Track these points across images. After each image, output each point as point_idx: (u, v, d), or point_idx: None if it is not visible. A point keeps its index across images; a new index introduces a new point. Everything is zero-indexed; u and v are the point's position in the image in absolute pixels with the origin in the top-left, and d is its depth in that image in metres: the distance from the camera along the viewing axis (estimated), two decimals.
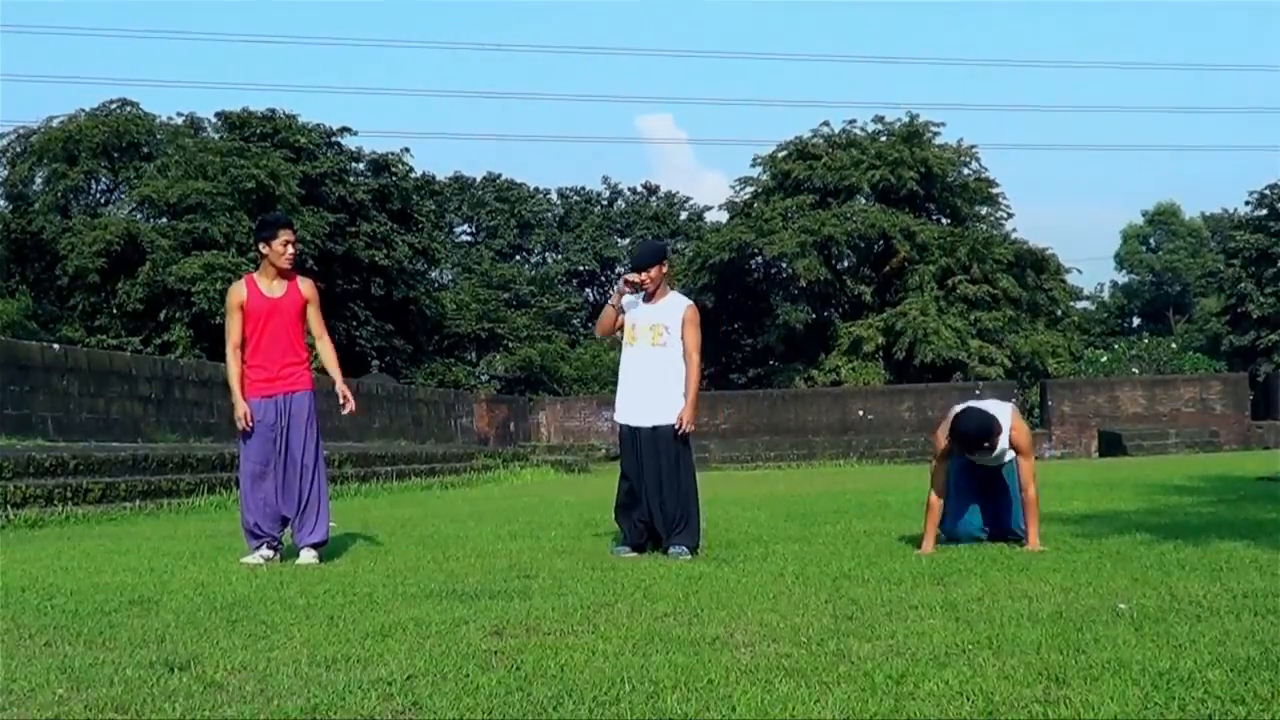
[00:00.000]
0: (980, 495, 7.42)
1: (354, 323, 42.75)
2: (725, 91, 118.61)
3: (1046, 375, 41.27)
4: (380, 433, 27.05)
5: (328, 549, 7.63)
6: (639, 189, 71.83)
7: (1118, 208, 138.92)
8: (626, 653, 4.04)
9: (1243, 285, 51.93)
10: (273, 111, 43.75)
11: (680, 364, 7.55)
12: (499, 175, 69.48)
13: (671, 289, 7.80)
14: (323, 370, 8.01)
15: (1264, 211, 53.15)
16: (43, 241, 39.25)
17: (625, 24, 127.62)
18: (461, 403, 34.18)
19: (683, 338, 7.55)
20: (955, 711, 3.19)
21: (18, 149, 41.43)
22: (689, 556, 7.23)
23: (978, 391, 34.21)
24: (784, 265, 44.55)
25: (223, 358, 7.74)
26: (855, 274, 45.44)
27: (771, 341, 44.87)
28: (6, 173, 41.68)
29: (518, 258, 67.97)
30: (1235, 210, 61.23)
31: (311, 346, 7.82)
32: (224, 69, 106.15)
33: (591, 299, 69.92)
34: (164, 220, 39.62)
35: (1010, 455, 7.21)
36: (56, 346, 18.52)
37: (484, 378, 52.05)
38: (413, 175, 49.00)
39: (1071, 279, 47.29)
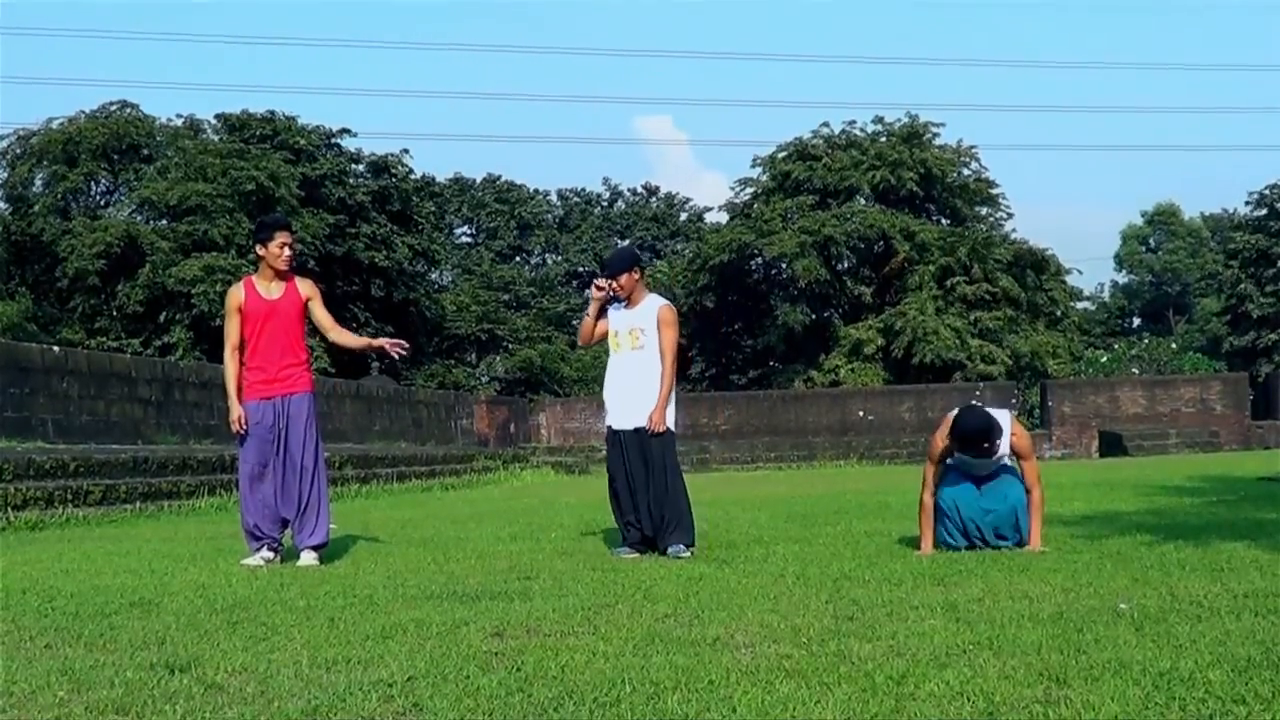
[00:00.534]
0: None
1: (354, 324, 42.72)
2: (725, 92, 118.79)
3: (1047, 375, 41.25)
4: (380, 434, 27.04)
5: (328, 551, 7.64)
6: (639, 190, 71.93)
7: (1118, 208, 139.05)
8: (627, 654, 4.04)
9: (1243, 286, 51.95)
10: (272, 113, 43.77)
11: (660, 365, 7.58)
12: (499, 176, 69.58)
13: (650, 292, 7.84)
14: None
15: (1264, 212, 53.17)
16: (42, 243, 39.25)
17: (625, 24, 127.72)
18: (461, 404, 34.17)
19: (660, 340, 7.58)
20: (956, 712, 3.19)
21: (17, 150, 41.42)
22: (688, 554, 7.25)
23: (978, 392, 34.24)
24: (784, 266, 44.55)
25: (223, 359, 7.75)
26: (855, 275, 45.43)
27: (771, 342, 44.85)
28: (6, 174, 41.66)
29: (517, 259, 68.02)
30: (1235, 211, 61.31)
31: (313, 349, 7.83)
32: (224, 71, 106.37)
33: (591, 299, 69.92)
34: (164, 222, 39.62)
35: (1008, 459, 7.19)
36: (56, 349, 18.51)
37: (484, 379, 52.06)
38: (412, 177, 49.02)
39: (1071, 279, 47.30)
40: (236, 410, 7.50)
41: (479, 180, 69.10)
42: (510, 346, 52.04)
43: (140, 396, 18.63)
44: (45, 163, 40.74)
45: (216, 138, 43.18)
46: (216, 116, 44.32)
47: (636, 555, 7.35)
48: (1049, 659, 3.77)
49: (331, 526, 7.86)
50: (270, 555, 7.45)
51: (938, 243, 43.08)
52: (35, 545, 9.06)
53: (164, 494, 13.59)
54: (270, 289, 7.55)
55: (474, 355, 53.65)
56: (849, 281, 45.13)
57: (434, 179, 60.04)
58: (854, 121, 47.48)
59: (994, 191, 47.74)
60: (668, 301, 7.85)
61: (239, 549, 7.72)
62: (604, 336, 7.85)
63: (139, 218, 40.79)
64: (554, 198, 70.97)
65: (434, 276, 54.64)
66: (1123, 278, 78.81)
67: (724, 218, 49.78)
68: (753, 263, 45.87)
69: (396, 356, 8.12)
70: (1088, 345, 52.99)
